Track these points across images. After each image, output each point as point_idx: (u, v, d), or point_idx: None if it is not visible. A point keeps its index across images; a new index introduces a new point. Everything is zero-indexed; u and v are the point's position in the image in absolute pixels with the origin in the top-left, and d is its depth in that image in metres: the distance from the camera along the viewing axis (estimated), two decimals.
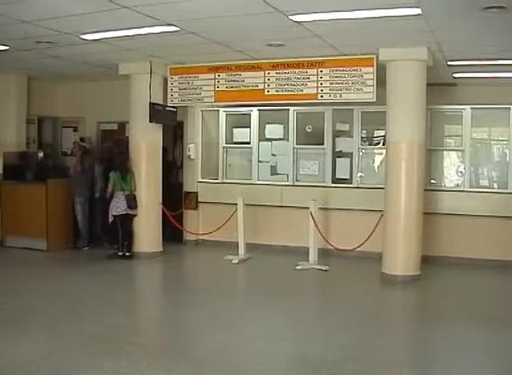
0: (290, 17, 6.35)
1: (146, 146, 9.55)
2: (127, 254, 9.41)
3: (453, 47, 7.64)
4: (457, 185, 9.61)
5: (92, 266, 8.88)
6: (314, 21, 6.48)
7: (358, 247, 8.72)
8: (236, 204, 9.46)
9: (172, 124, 10.06)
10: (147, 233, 9.58)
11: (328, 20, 6.40)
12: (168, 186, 10.41)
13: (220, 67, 9.09)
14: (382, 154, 9.58)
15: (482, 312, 6.70)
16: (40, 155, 10.72)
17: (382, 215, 8.37)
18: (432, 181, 9.73)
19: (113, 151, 9.57)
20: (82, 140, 11.15)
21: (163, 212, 9.71)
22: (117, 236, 9.38)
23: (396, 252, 8.15)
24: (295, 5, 5.95)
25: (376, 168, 10.11)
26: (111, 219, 9.35)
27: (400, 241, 8.13)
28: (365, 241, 8.63)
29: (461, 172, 9.50)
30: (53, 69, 9.88)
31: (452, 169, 9.82)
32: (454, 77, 9.57)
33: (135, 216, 9.50)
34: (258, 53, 8.45)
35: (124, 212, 9.33)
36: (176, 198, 10.62)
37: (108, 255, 9.43)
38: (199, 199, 10.75)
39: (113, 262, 9.12)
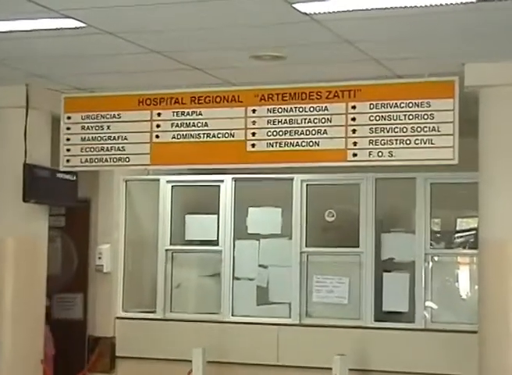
0: (294, 6, 6.49)
1: (16, 247, 9.73)
2: None
3: None
4: None
5: None
6: (337, 13, 6.63)
7: None
8: (189, 361, 9.63)
9: (68, 205, 10.16)
10: None
11: (365, 11, 6.55)
12: (60, 325, 10.56)
13: (162, 98, 9.15)
14: (471, 264, 9.70)
15: None
16: None
17: None
18: None
19: None
20: None
21: None
22: None
23: None
24: None
25: (462, 292, 10.20)
26: None
27: None
28: None
29: None
30: None
31: None
32: None
33: None
34: (236, 73, 8.84)
35: None
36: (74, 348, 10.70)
37: None
38: (117, 352, 10.88)
39: None
